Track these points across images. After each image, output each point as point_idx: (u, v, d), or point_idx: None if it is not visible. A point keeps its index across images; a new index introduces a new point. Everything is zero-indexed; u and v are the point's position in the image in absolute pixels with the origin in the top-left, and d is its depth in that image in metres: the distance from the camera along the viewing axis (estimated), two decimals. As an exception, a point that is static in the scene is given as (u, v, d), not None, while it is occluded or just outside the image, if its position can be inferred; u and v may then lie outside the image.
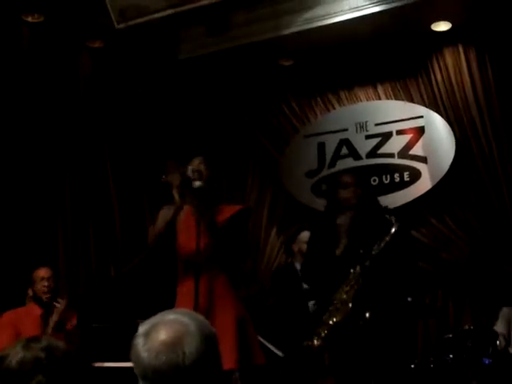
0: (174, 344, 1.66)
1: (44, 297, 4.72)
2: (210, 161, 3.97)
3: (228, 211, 3.85)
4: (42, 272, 4.78)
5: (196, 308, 3.47)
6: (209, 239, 3.71)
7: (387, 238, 3.78)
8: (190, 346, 1.67)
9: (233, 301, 3.77)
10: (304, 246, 5.27)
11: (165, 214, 3.83)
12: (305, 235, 5.35)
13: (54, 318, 4.64)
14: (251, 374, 3.77)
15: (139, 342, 1.71)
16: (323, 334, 3.78)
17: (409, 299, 4.24)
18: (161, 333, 1.69)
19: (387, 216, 3.85)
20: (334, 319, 3.77)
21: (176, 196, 3.78)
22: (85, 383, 1.94)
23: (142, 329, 1.73)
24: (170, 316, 1.75)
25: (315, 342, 3.79)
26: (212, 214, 3.74)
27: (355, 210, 3.95)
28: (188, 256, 3.73)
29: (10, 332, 4.53)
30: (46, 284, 4.73)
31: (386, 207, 4.10)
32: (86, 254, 6.15)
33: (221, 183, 6.88)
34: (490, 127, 5.93)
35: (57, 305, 4.67)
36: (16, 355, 1.82)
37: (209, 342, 1.71)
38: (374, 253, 3.77)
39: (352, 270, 3.79)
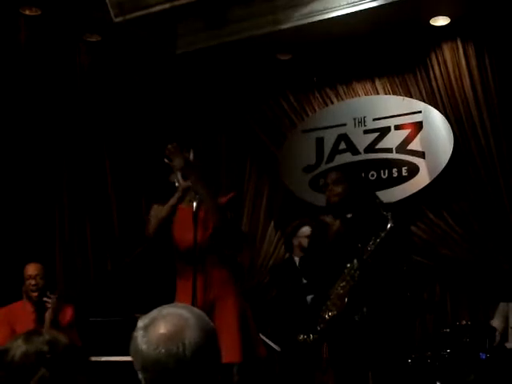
0: (173, 336, 1.68)
1: (32, 295, 4.70)
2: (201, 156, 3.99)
3: (221, 200, 3.87)
4: (30, 270, 4.75)
5: (194, 302, 3.47)
6: (205, 233, 3.72)
7: (383, 234, 3.78)
8: (190, 338, 1.68)
9: (234, 294, 3.77)
10: (304, 241, 5.28)
11: (160, 207, 3.82)
12: (305, 230, 5.36)
13: (49, 315, 4.62)
14: (250, 368, 3.77)
15: (138, 335, 1.72)
16: (319, 328, 3.79)
17: (408, 294, 4.24)
18: (160, 326, 1.71)
19: (384, 212, 3.84)
20: (330, 313, 3.77)
21: (179, 178, 3.78)
22: (84, 377, 1.94)
23: (141, 323, 1.75)
24: (168, 310, 1.77)
25: (311, 336, 3.80)
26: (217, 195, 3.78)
27: (340, 207, 3.94)
28: (185, 250, 3.73)
29: (6, 329, 4.52)
30: (32, 283, 4.70)
31: (381, 202, 4.09)
32: (82, 248, 6.15)
33: (218, 177, 6.89)
34: (488, 122, 5.92)
35: (47, 300, 4.63)
36: (18, 348, 1.81)
37: (208, 336, 1.73)
38: (369, 249, 3.77)
39: (348, 265, 3.79)
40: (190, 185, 3.75)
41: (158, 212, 3.83)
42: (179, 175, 3.79)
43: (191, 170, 3.74)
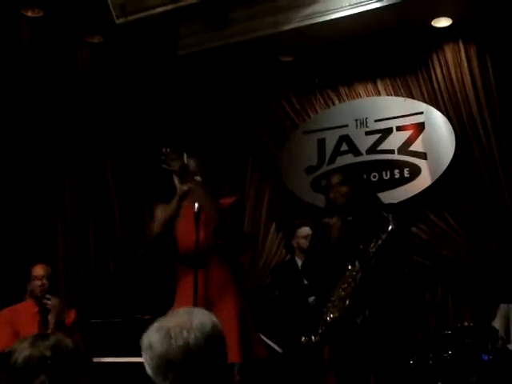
0: (181, 324, 1.79)
1: (40, 295, 4.69)
2: (202, 158, 3.98)
3: (225, 201, 3.85)
4: (37, 270, 4.74)
5: (195, 303, 3.47)
6: (207, 233, 3.72)
7: (384, 236, 3.77)
8: (196, 333, 1.78)
9: (234, 294, 3.75)
10: (302, 242, 5.28)
11: (164, 207, 3.82)
12: (303, 231, 5.36)
13: (52, 317, 4.61)
14: (251, 369, 3.77)
15: (151, 327, 1.84)
16: (321, 330, 3.78)
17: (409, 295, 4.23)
18: (171, 320, 1.83)
19: (385, 214, 3.83)
20: (332, 315, 3.77)
21: (177, 182, 3.78)
22: (87, 380, 1.95)
23: (155, 322, 1.87)
24: (180, 311, 1.89)
25: (313, 338, 3.79)
26: (216, 197, 3.77)
27: (346, 208, 3.93)
28: (187, 250, 3.73)
29: (8, 330, 4.51)
30: (39, 284, 4.69)
31: (381, 203, 4.08)
32: (85, 250, 6.14)
33: (220, 178, 6.90)
34: (489, 123, 5.92)
35: (48, 302, 4.63)
36: (23, 352, 1.81)
37: (214, 333, 1.83)
38: (371, 250, 3.77)
39: (350, 267, 3.79)
40: (187, 189, 3.75)
41: (162, 211, 3.84)
42: (176, 179, 3.79)
43: (188, 173, 3.73)
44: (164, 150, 3.69)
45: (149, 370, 1.79)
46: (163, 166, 3.71)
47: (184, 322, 1.79)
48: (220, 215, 3.72)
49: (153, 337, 1.79)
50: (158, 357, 1.75)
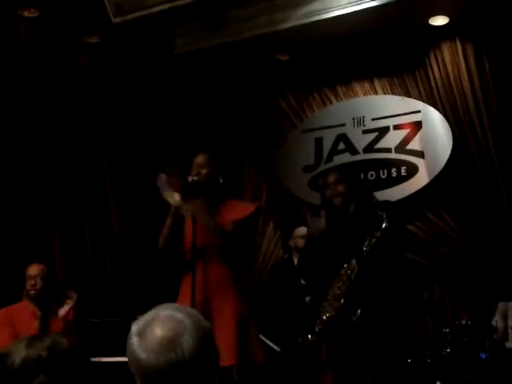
0: (171, 342, 1.62)
1: (31, 294, 4.68)
2: (213, 157, 3.95)
3: (242, 210, 3.81)
4: (30, 270, 4.73)
5: (193, 301, 3.47)
6: (207, 236, 3.71)
7: (378, 234, 3.77)
8: (188, 343, 1.63)
9: (234, 297, 3.73)
10: (299, 242, 5.28)
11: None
12: (300, 231, 5.35)
13: (64, 311, 4.62)
14: (249, 370, 3.76)
15: (134, 341, 1.66)
16: (317, 329, 3.78)
17: (406, 293, 4.24)
18: (156, 331, 1.64)
19: (378, 211, 3.83)
20: (328, 314, 3.77)
21: (169, 199, 3.74)
22: (84, 380, 1.93)
23: (135, 327, 1.68)
24: (163, 313, 1.70)
25: (309, 337, 3.79)
26: (213, 213, 3.72)
27: (342, 207, 3.93)
28: (188, 249, 3.73)
29: (8, 330, 4.50)
30: (31, 283, 4.68)
31: (377, 201, 4.08)
32: (82, 250, 6.14)
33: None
34: (487, 122, 5.93)
35: (69, 299, 4.63)
36: (20, 353, 1.81)
37: (206, 337, 1.69)
38: (365, 248, 3.77)
39: (345, 265, 3.79)
40: (180, 204, 3.71)
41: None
42: (169, 195, 3.75)
43: (191, 192, 3.71)
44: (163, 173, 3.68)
45: (137, 379, 1.70)
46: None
47: (175, 331, 1.64)
48: (220, 234, 3.69)
49: (140, 352, 1.64)
50: (147, 370, 1.63)
